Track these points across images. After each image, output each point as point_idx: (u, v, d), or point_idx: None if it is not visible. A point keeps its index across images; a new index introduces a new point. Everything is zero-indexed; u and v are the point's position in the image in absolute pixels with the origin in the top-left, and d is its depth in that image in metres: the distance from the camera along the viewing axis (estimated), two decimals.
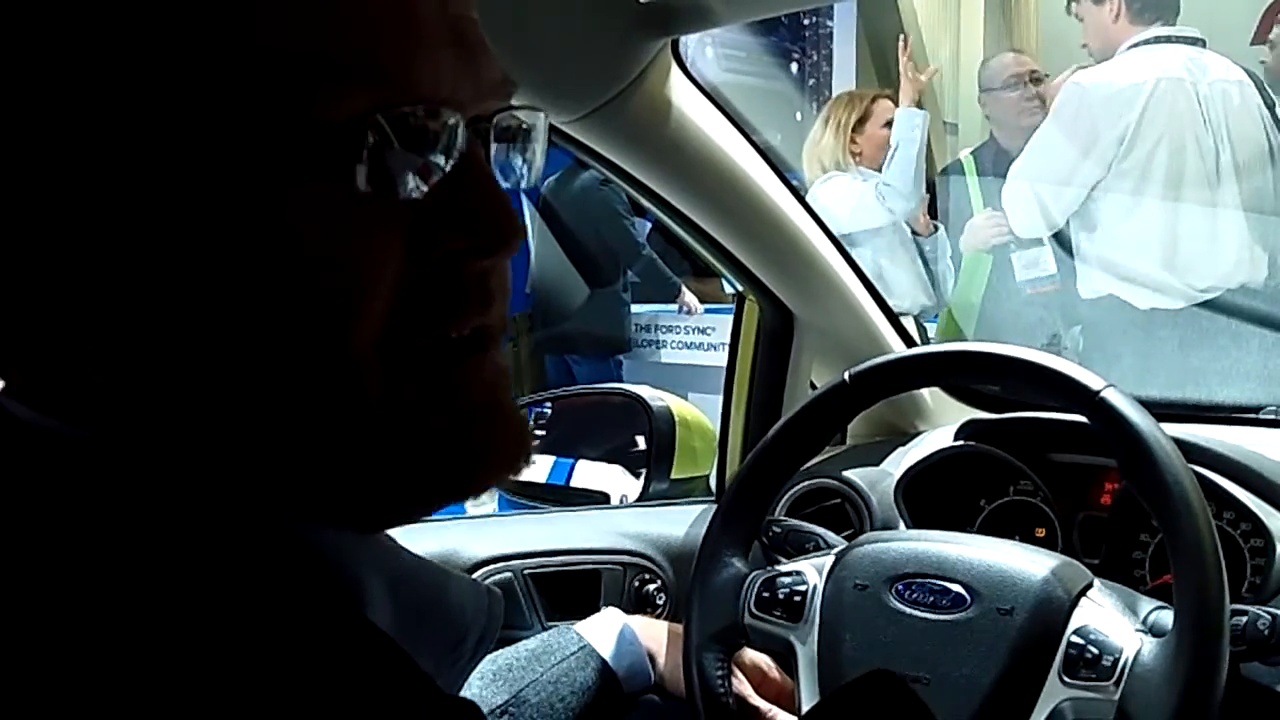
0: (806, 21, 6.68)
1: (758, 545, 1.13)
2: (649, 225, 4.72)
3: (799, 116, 6.42)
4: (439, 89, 0.46)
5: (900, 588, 1.00)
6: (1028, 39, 5.68)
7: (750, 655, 1.12)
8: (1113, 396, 0.95)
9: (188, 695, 0.39)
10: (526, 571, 1.34)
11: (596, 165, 1.22)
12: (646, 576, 1.38)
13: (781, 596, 1.06)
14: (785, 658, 1.07)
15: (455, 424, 0.48)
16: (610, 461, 1.69)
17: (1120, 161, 2.88)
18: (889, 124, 3.61)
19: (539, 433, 1.63)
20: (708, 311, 5.13)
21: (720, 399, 1.53)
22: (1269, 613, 0.94)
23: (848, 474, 1.30)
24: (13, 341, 0.46)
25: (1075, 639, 0.94)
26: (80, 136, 0.43)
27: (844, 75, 6.31)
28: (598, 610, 1.17)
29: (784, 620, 1.05)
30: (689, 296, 5.16)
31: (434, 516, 0.58)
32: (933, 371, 1.14)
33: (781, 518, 1.21)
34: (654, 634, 1.13)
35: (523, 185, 0.53)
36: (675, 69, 1.16)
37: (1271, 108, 2.99)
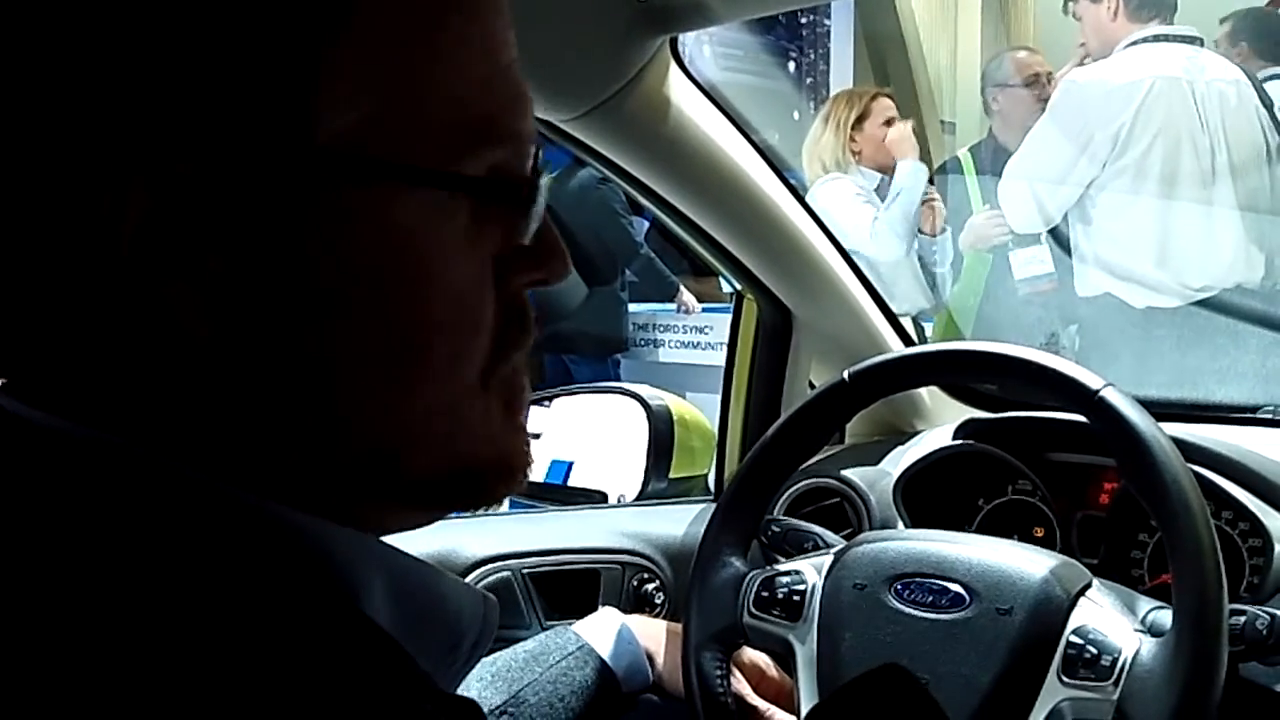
0: (804, 20, 6.69)
1: (756, 545, 1.13)
2: (647, 224, 4.71)
3: (796, 115, 6.43)
4: (531, 137, 0.51)
5: (899, 587, 1.00)
6: (1025, 38, 5.68)
7: (749, 654, 1.12)
8: (1111, 396, 0.95)
9: (190, 689, 0.40)
10: (525, 571, 1.34)
11: (594, 164, 1.22)
12: (645, 576, 1.38)
13: (780, 596, 1.06)
14: (784, 657, 1.07)
15: (516, 438, 0.54)
16: (608, 461, 1.69)
17: (1116, 160, 2.88)
18: (888, 122, 3.61)
19: (537, 431, 1.62)
20: (706, 311, 5.13)
21: (718, 398, 1.53)
22: (1267, 613, 0.94)
23: (846, 473, 1.30)
24: (57, 342, 0.46)
25: (1074, 639, 0.94)
26: (231, 168, 0.45)
27: (842, 74, 6.32)
28: (596, 610, 1.17)
29: (783, 620, 1.05)
30: (687, 296, 5.16)
31: None
32: (931, 371, 1.15)
33: (780, 517, 1.21)
34: (652, 633, 1.13)
35: None
36: (674, 67, 1.16)
37: (1269, 108, 2.99)
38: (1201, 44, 2.99)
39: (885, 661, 0.97)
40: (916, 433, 1.46)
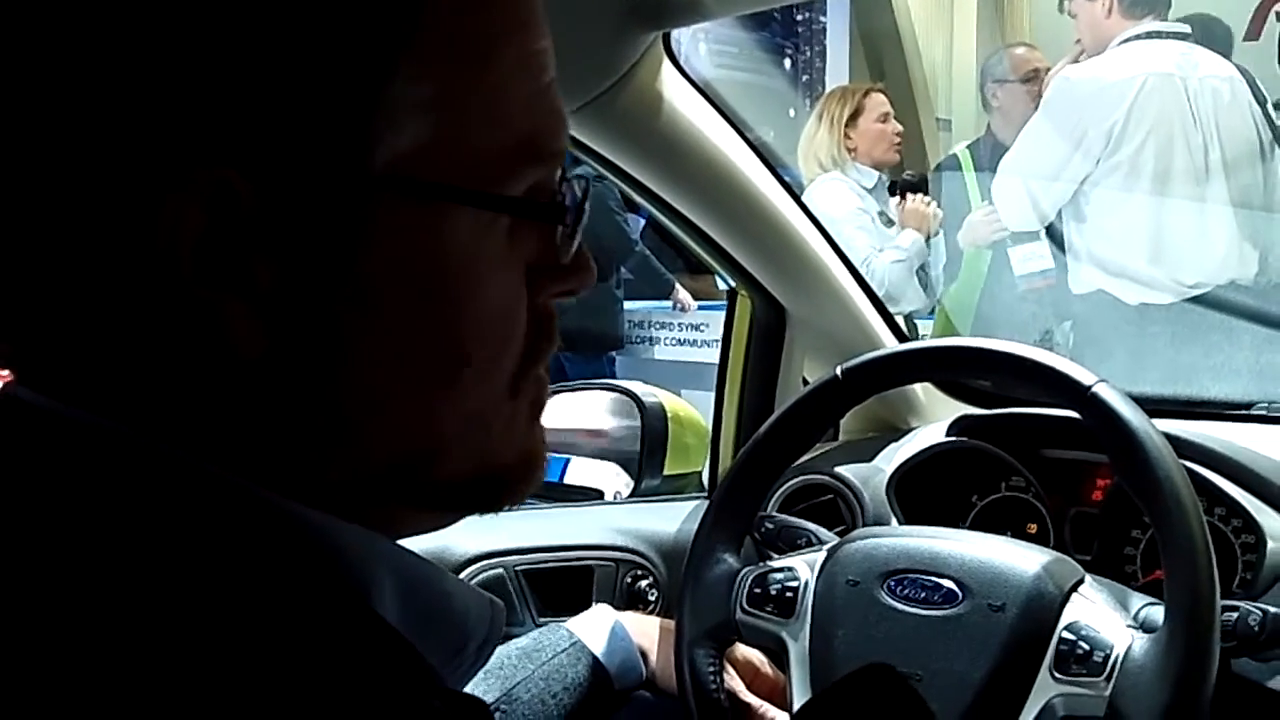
0: (800, 17, 6.69)
1: (750, 541, 1.13)
2: (642, 221, 4.71)
3: (792, 113, 6.42)
4: (564, 154, 0.53)
5: (892, 583, 1.00)
6: (1020, 35, 5.68)
7: (742, 651, 1.12)
8: (1104, 392, 0.95)
9: (200, 681, 0.40)
10: (518, 568, 1.34)
11: (588, 160, 1.21)
12: (639, 573, 1.38)
13: (773, 592, 1.06)
14: (777, 654, 1.07)
15: (538, 441, 0.56)
16: (603, 458, 1.69)
17: (1109, 156, 2.88)
18: (883, 118, 3.60)
19: None
20: (701, 308, 5.13)
21: (713, 395, 1.53)
22: (1259, 608, 0.94)
23: (840, 470, 1.30)
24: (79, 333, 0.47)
25: (1066, 635, 0.94)
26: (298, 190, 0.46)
27: (837, 71, 6.31)
28: (590, 607, 1.17)
29: (776, 616, 1.05)
30: (682, 293, 5.16)
31: None
32: (925, 367, 1.15)
33: (774, 513, 1.21)
34: (646, 630, 1.13)
35: None
36: (667, 63, 1.16)
37: (1263, 104, 2.99)
38: (1196, 40, 2.99)
39: (878, 658, 0.97)
40: (910, 429, 1.46)
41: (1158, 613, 0.94)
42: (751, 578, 1.07)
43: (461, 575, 1.30)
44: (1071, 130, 2.91)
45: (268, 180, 0.45)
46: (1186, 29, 2.99)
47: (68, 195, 0.44)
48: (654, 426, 1.56)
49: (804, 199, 1.47)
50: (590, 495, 1.60)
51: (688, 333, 5.24)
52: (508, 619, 1.30)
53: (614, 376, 4.67)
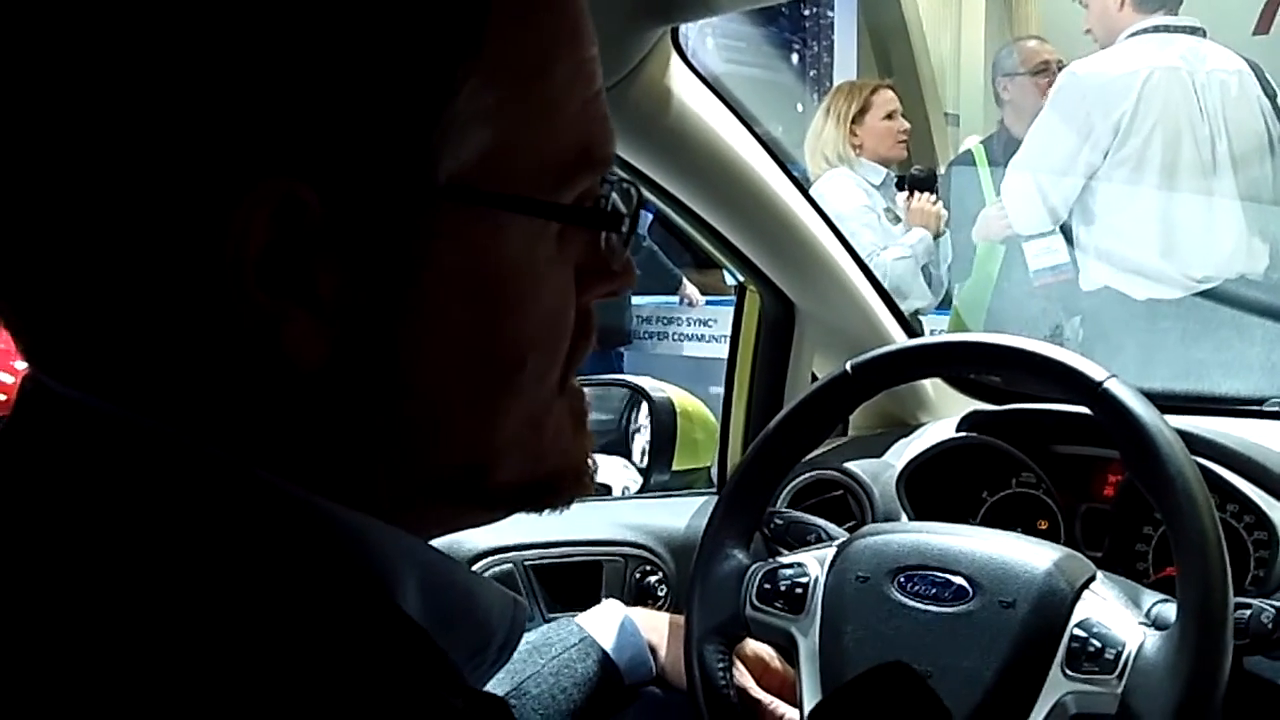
0: (807, 12, 6.68)
1: (759, 537, 1.13)
2: (650, 216, 4.70)
3: (800, 108, 6.41)
4: (611, 160, 0.54)
5: (902, 580, 1.00)
6: (1029, 28, 5.66)
7: (752, 647, 1.12)
8: (1116, 388, 0.95)
9: (219, 677, 0.40)
10: (527, 563, 1.34)
11: None
12: (648, 568, 1.38)
13: (783, 588, 1.05)
14: (787, 650, 1.07)
15: (585, 444, 0.56)
16: (612, 453, 1.69)
17: (1117, 149, 2.87)
18: (889, 115, 3.59)
19: None
20: (709, 303, 5.13)
21: (722, 390, 1.52)
22: (1272, 606, 0.94)
23: (849, 465, 1.30)
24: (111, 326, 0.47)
25: (1078, 632, 0.93)
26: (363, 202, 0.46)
27: (845, 66, 6.30)
28: (599, 602, 1.17)
29: (785, 612, 1.05)
30: (690, 288, 5.15)
31: None
32: (934, 362, 1.14)
33: (783, 509, 1.20)
34: (655, 626, 1.13)
35: None
36: (675, 58, 1.15)
37: (1272, 98, 2.98)
38: (1204, 35, 2.98)
39: (888, 654, 0.97)
40: (920, 425, 1.46)
41: (1170, 610, 0.93)
42: (761, 573, 1.07)
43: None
44: (1080, 123, 2.90)
45: (334, 191, 0.45)
46: (1196, 23, 2.98)
47: (137, 201, 0.44)
48: (663, 422, 1.56)
49: (811, 193, 1.46)
50: (599, 490, 1.60)
51: (696, 328, 5.23)
52: None
53: (622, 372, 4.67)
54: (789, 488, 1.32)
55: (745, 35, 6.22)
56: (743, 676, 1.09)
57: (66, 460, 0.46)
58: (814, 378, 1.48)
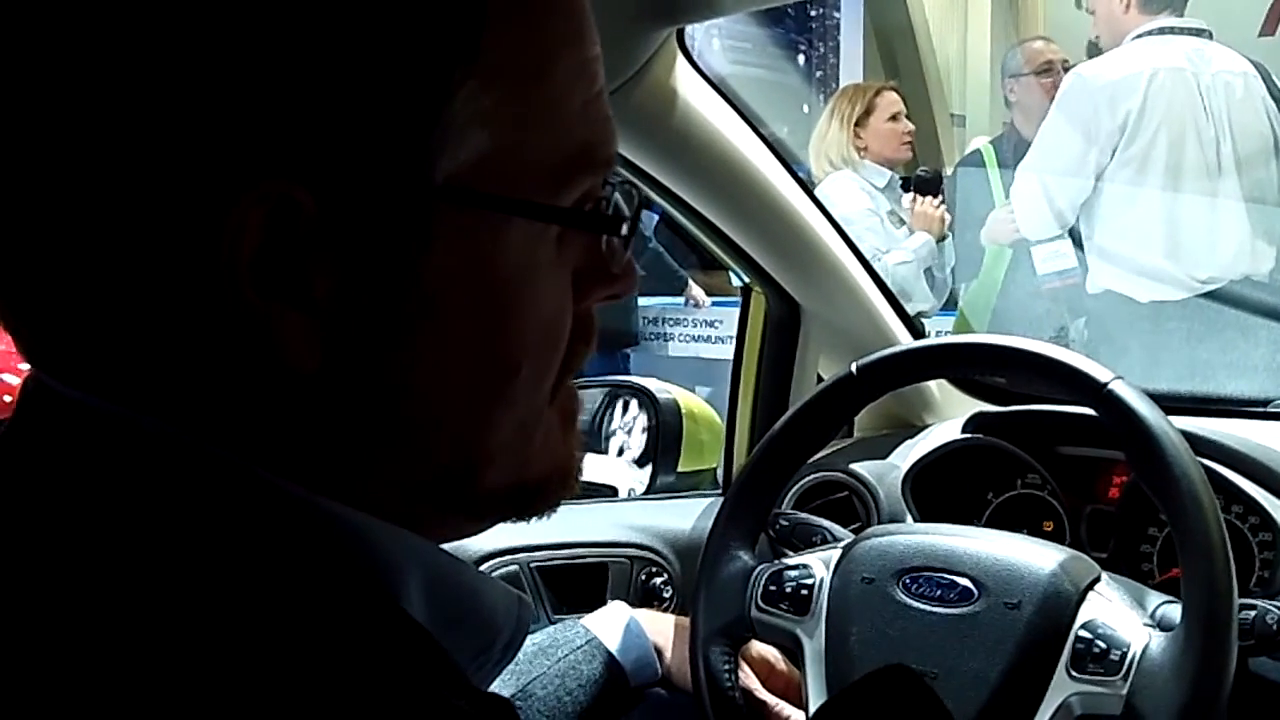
0: (813, 13, 6.67)
1: (764, 538, 1.13)
2: (655, 217, 4.70)
3: (806, 109, 6.42)
4: (613, 162, 0.53)
5: (907, 581, 1.00)
6: (1034, 30, 5.66)
7: (757, 648, 1.12)
8: (1121, 389, 0.95)
9: (221, 677, 0.40)
10: (533, 565, 1.34)
11: None
12: (653, 570, 1.38)
13: (788, 590, 1.06)
14: (792, 651, 1.07)
15: (573, 448, 0.56)
16: (618, 455, 1.69)
17: (1123, 150, 2.87)
18: (894, 117, 3.58)
19: None
20: (715, 304, 5.12)
21: (728, 392, 1.52)
22: (1277, 607, 0.93)
23: (855, 467, 1.30)
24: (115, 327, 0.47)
25: (1083, 633, 0.93)
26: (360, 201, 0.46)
27: (851, 67, 6.30)
28: (604, 603, 1.17)
29: (791, 614, 1.05)
30: (696, 289, 5.15)
31: None
32: (940, 364, 1.14)
33: (788, 511, 1.20)
34: (661, 627, 1.13)
35: None
36: (681, 59, 1.15)
37: (1277, 100, 2.98)
38: (1210, 36, 2.97)
39: (893, 656, 0.97)
40: (925, 426, 1.46)
41: (1175, 611, 0.93)
42: (766, 575, 1.07)
43: None
44: (1086, 124, 2.90)
45: (329, 193, 0.45)
46: (1202, 25, 2.98)
47: (134, 201, 0.44)
48: (668, 423, 1.56)
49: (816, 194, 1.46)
50: (604, 492, 1.60)
51: (702, 329, 5.23)
52: None
53: (628, 373, 4.67)
54: (794, 489, 1.32)
55: (751, 36, 6.22)
56: (748, 678, 1.09)
57: (69, 460, 0.46)
58: (819, 379, 1.48)
